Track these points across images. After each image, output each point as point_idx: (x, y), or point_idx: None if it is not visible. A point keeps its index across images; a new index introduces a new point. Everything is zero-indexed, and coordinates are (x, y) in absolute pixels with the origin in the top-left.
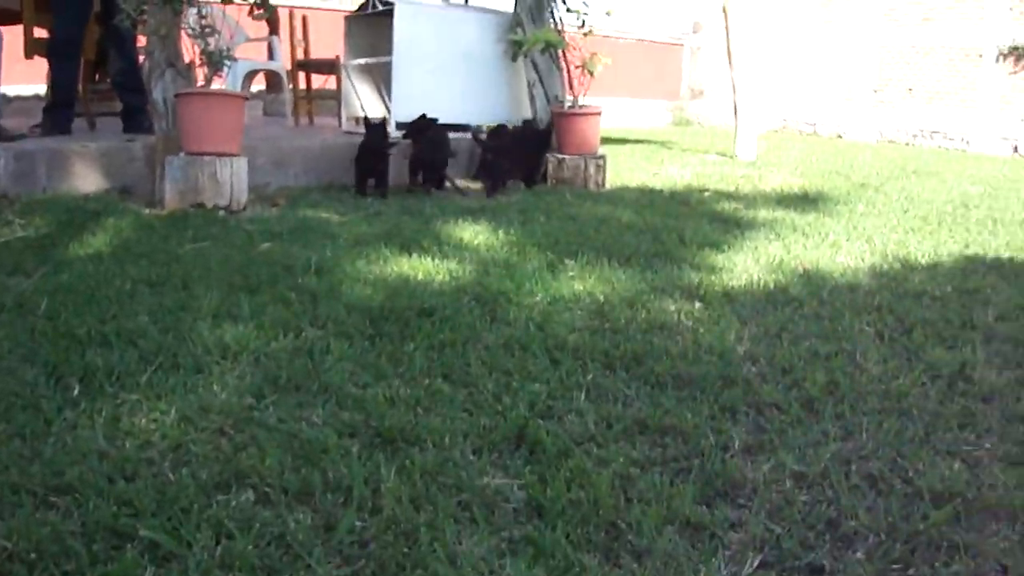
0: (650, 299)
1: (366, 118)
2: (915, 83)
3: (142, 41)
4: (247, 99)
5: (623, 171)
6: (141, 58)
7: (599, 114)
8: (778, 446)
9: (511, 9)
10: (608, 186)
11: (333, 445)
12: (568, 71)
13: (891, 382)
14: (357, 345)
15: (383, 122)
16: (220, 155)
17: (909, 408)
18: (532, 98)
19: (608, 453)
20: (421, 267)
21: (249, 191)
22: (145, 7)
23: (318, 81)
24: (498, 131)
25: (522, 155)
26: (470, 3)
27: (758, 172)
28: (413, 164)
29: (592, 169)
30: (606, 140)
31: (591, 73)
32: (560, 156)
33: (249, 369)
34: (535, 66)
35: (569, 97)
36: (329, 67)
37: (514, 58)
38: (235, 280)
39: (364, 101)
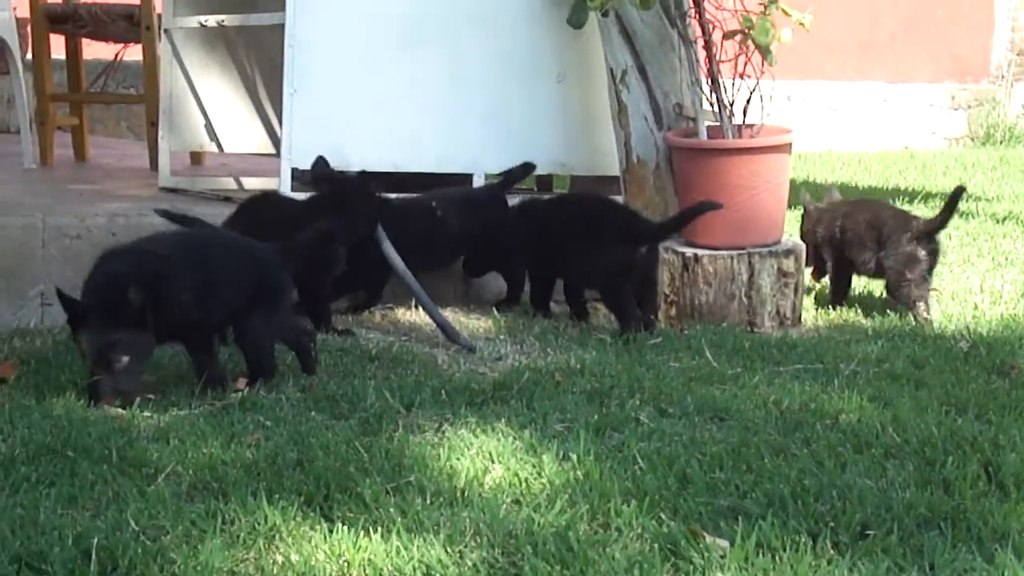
0: None
1: None
2: None
3: None
4: None
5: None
6: None
7: (788, 145)
8: None
9: None
10: (808, 324)
11: None
12: (707, 46)
13: None
14: None
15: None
16: None
17: None
18: (621, 110)
19: None
20: (360, 559)
21: None
22: None
23: (97, 53)
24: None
25: None
26: None
27: None
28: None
29: (768, 284)
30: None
31: (762, 50)
32: (686, 251)
33: None
34: (628, 37)
35: (707, 102)
36: (125, 27)
37: (577, 22)
38: None
39: (216, 115)
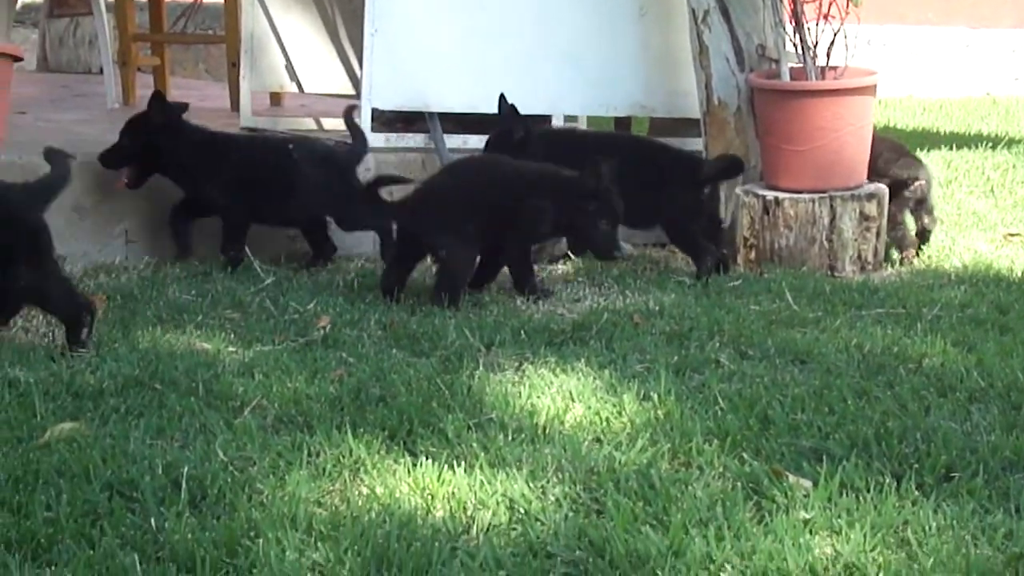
0: None
1: None
2: None
3: None
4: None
5: None
6: None
7: (872, 87)
8: None
9: None
10: (889, 269)
11: None
12: None
13: None
14: None
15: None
16: None
17: None
18: (702, 50)
19: None
20: (443, 492)
21: None
22: None
23: None
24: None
25: None
26: None
27: None
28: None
29: (850, 228)
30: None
31: None
32: (767, 195)
33: None
34: None
35: (791, 43)
36: None
37: None
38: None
39: (296, 55)
